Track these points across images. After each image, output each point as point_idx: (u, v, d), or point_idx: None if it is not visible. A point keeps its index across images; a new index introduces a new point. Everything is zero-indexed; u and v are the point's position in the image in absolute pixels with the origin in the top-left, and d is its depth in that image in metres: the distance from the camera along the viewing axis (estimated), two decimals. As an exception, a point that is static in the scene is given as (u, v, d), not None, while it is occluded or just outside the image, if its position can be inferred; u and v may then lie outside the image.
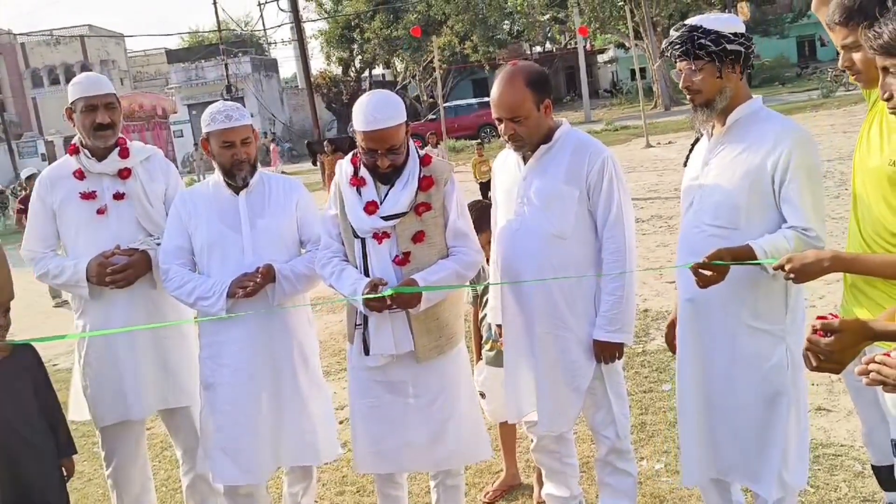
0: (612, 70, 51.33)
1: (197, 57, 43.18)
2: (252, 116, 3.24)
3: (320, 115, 32.40)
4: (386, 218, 2.78)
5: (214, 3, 39.45)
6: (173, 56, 45.77)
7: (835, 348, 1.75)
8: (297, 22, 28.16)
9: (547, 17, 41.76)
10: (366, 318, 2.82)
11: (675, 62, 2.61)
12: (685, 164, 2.89)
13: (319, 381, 3.25)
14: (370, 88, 36.00)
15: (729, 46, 2.51)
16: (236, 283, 2.93)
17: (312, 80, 31.01)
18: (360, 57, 44.80)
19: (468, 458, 3.10)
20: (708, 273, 2.42)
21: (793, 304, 2.56)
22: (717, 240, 2.48)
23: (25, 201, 10.27)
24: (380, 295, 2.66)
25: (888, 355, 1.52)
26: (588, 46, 42.48)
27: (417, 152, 2.91)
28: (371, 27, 40.31)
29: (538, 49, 51.68)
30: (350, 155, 2.97)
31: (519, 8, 37.95)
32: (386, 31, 39.95)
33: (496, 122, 2.89)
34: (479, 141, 16.83)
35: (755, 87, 32.36)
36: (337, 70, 45.41)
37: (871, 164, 2.23)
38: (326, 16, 44.00)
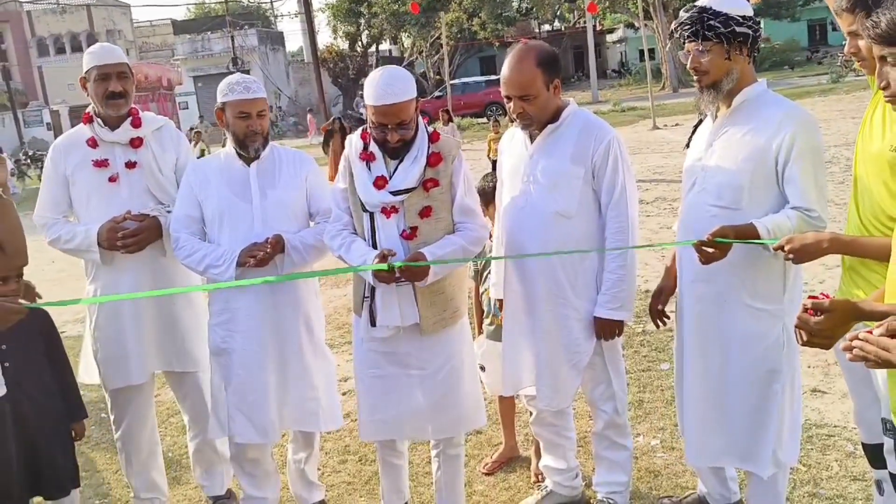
0: (621, 50, 51.04)
1: (203, 29, 42.99)
2: None
3: (326, 90, 32.31)
4: (395, 193, 2.82)
5: (222, -26, 39.20)
6: (179, 27, 45.54)
7: (824, 327, 1.83)
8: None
9: (556, -5, 41.55)
10: (373, 291, 2.88)
11: (684, 43, 2.65)
12: (687, 146, 2.93)
13: (324, 351, 3.31)
14: (377, 64, 35.81)
15: (738, 29, 2.56)
16: (246, 251, 2.98)
17: (319, 54, 30.88)
18: (367, 32, 44.53)
19: (467, 425, 3.17)
20: (710, 250, 2.47)
21: (790, 284, 2.62)
22: (719, 220, 2.53)
23: None
24: (387, 266, 2.70)
25: (871, 332, 1.57)
26: (597, 26, 42.25)
27: (426, 129, 2.94)
28: (378, 2, 40.05)
29: (546, 27, 51.39)
30: (360, 130, 3.01)
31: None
32: (394, 5, 39.68)
33: (505, 101, 2.93)
34: (494, 118, 16.83)
35: (765, 71, 32.26)
36: (343, 45, 45.17)
37: (872, 149, 2.27)
38: (334, -10, 43.73)
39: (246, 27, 41.81)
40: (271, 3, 47.83)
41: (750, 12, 2.61)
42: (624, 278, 2.89)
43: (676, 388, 2.98)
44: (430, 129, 2.98)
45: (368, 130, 2.90)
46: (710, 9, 2.57)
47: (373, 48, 46.19)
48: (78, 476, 2.97)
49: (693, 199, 2.72)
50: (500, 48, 38.95)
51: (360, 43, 45.38)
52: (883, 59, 1.80)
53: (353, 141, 2.98)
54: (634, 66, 43.30)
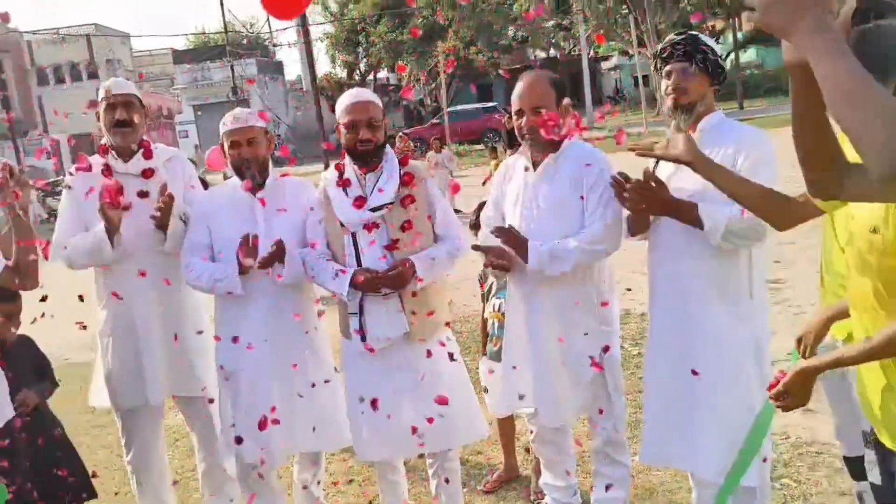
0: (616, 77, 51.51)
1: (203, 58, 43.40)
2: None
3: (327, 119, 32.57)
4: (374, 210, 3.03)
5: (221, 5, 39.67)
6: (179, 57, 45.99)
7: (794, 401, 2.08)
8: (304, 25, 28.33)
9: (552, 23, 42.00)
10: (361, 306, 3.01)
11: (668, 63, 2.81)
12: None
13: (329, 371, 3.42)
14: (376, 92, 36.21)
15: (718, 61, 2.80)
16: (240, 252, 3.11)
17: (317, 82, 31.18)
18: (365, 60, 44.98)
19: (463, 437, 3.30)
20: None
21: (756, 287, 2.76)
22: (688, 233, 2.72)
23: None
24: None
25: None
26: (593, 53, 42.69)
27: (394, 154, 3.20)
28: (377, 31, 40.50)
29: (542, 55, 51.95)
30: (333, 164, 3.22)
31: (523, 14, 38.18)
32: (391, 35, 40.13)
33: (515, 118, 3.11)
34: (491, 146, 17.03)
35: (759, 97, 32.53)
36: (342, 73, 45.59)
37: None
38: (332, 19, 44.22)
39: (245, 57, 42.19)
40: (271, 32, 48.26)
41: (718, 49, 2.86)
42: (574, 252, 2.95)
43: (645, 387, 3.09)
44: (431, 155, 3.17)
45: (341, 161, 3.16)
46: (701, 39, 2.80)
47: (371, 76, 46.63)
48: (92, 487, 3.09)
49: (664, 218, 2.85)
50: (496, 77, 39.34)
51: (358, 71, 45.81)
52: None
53: (327, 175, 3.20)
54: (629, 93, 43.68)
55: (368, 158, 3.09)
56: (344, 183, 3.12)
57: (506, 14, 39.30)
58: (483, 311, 3.93)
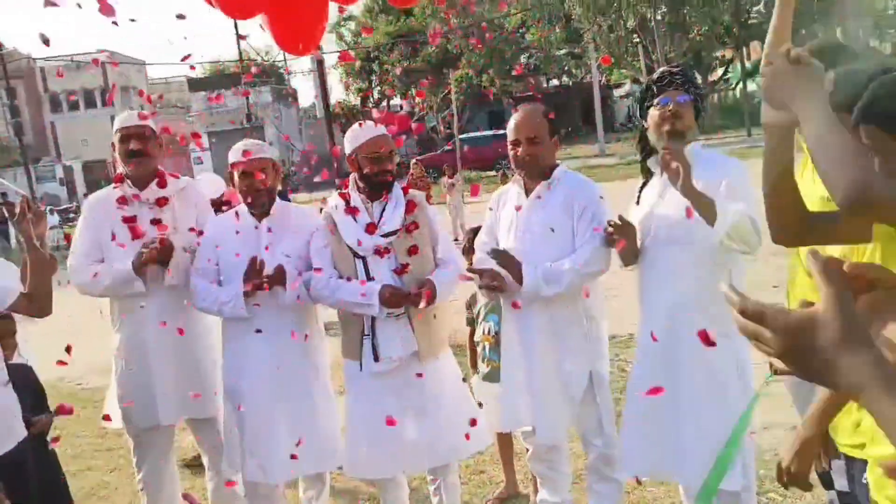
0: (628, 104, 51.81)
1: (218, 86, 43.95)
2: (271, 145, 3.61)
3: (338, 144, 32.94)
4: (385, 235, 3.18)
5: (237, 34, 40.27)
6: (194, 84, 46.61)
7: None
8: (318, 54, 28.77)
9: (563, 51, 42.41)
10: (373, 328, 3.14)
11: (664, 91, 2.95)
12: (637, 202, 3.20)
13: (329, 393, 3.55)
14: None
15: (699, 92, 3.01)
16: (246, 278, 3.27)
17: (331, 109, 31.58)
18: (378, 88, 45.49)
19: (462, 453, 3.43)
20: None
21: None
22: (677, 251, 2.89)
23: None
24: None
25: None
26: (604, 80, 43.03)
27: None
28: (390, 59, 41.01)
29: (554, 82, 52.36)
30: (335, 193, 3.38)
31: (535, 43, 38.62)
32: (404, 63, 40.61)
33: (511, 148, 3.28)
34: (503, 171, 17.26)
35: (756, 125, 32.66)
36: (355, 100, 46.09)
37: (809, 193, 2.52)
38: (346, 48, 44.79)
39: (259, 84, 42.72)
40: (285, 61, 48.87)
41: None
42: (567, 273, 3.11)
43: (627, 400, 3.19)
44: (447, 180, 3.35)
45: (347, 189, 3.32)
46: (686, 72, 3.00)
47: (384, 104, 47.13)
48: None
49: (651, 243, 2.99)
50: (509, 104, 39.69)
51: (371, 99, 46.31)
52: None
53: (333, 202, 3.34)
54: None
55: (385, 188, 3.26)
56: (352, 210, 3.27)
57: (517, 42, 39.73)
58: (470, 335, 4.05)
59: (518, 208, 3.28)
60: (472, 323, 4.02)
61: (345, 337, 3.35)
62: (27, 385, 3.15)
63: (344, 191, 3.36)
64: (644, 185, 3.18)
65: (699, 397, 2.88)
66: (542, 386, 3.23)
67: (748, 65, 44.52)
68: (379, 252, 3.21)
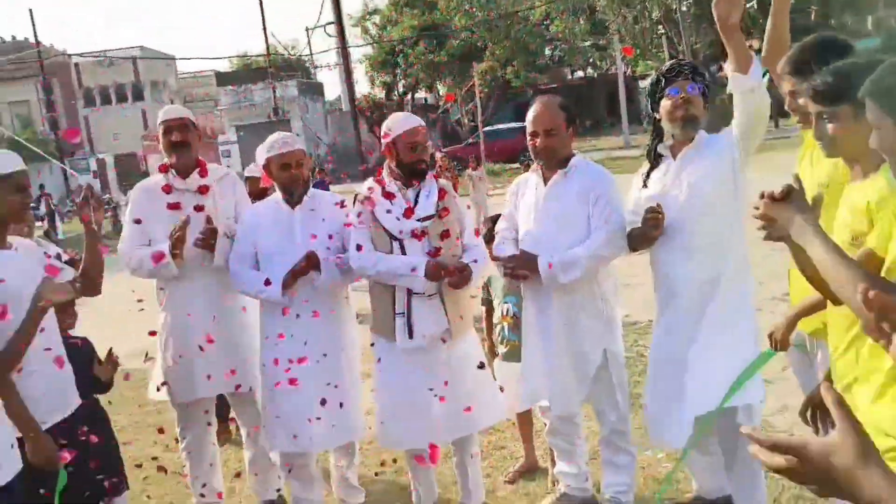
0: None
1: (245, 80, 44.39)
2: (298, 136, 3.83)
3: (363, 138, 33.24)
4: (420, 220, 3.39)
5: (264, 28, 40.68)
6: (222, 79, 47.12)
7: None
8: (344, 47, 29.04)
9: (588, 43, 42.35)
10: (408, 306, 3.36)
11: (674, 82, 3.16)
12: (644, 185, 3.40)
13: (357, 371, 3.78)
14: (412, 112, 36.50)
15: (709, 86, 3.23)
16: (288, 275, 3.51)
17: (356, 102, 31.90)
18: (403, 81, 45.68)
19: (483, 422, 3.66)
20: None
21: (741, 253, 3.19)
22: (688, 230, 3.14)
23: None
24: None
25: None
26: (630, 72, 42.94)
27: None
28: (415, 52, 41.17)
29: (579, 74, 52.25)
30: (369, 180, 3.58)
31: (560, 34, 38.63)
32: (429, 56, 40.76)
33: (529, 139, 3.48)
34: (527, 163, 17.43)
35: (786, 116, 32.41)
36: (380, 94, 46.33)
37: (807, 178, 2.71)
38: (371, 41, 45.03)
39: (286, 78, 43.10)
40: (311, 55, 49.21)
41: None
42: (583, 259, 3.32)
43: (649, 367, 3.43)
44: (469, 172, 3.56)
45: (384, 173, 3.53)
46: (699, 68, 3.22)
47: (408, 97, 47.34)
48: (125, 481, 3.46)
49: (677, 219, 3.19)
50: (533, 96, 39.67)
51: (396, 92, 46.53)
52: (819, 115, 2.25)
53: (367, 188, 3.55)
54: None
55: (422, 175, 3.48)
56: (389, 195, 3.48)
57: (542, 35, 39.72)
58: (486, 314, 4.26)
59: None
60: (488, 303, 4.23)
61: (377, 315, 3.55)
62: (84, 357, 3.38)
63: (378, 177, 3.56)
64: (651, 169, 3.36)
65: (713, 341, 3.13)
66: (558, 362, 3.44)
67: (776, 55, 44.17)
68: (415, 235, 3.42)
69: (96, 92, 49.92)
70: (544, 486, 4.06)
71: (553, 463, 3.91)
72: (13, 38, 49.95)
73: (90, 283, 3.25)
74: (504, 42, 38.71)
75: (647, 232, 3.20)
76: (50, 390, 2.95)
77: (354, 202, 3.57)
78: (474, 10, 38.09)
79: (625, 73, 37.48)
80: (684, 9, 34.86)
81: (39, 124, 45.50)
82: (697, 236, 3.15)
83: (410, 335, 3.41)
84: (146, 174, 27.94)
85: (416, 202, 3.48)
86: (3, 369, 2.68)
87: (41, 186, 26.89)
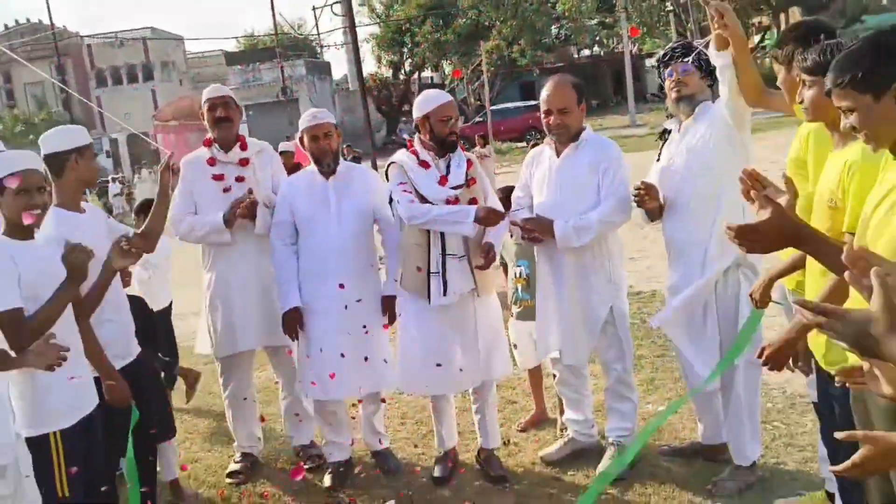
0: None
1: (253, 60, 44.61)
2: None
3: (371, 117, 33.49)
4: (454, 188, 3.74)
5: (272, 8, 40.84)
6: (231, 59, 47.34)
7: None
8: (352, 26, 29.23)
9: (595, 21, 42.41)
10: (443, 266, 3.73)
11: (668, 66, 3.50)
12: (658, 160, 3.74)
13: (381, 324, 4.14)
14: (419, 91, 36.57)
15: (711, 68, 3.47)
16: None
17: (364, 82, 32.14)
18: (409, 60, 45.81)
19: (500, 371, 4.04)
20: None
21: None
22: (696, 194, 3.49)
23: None
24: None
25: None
26: (636, 50, 43.02)
27: None
28: (422, 31, 41.30)
29: (586, 52, 52.28)
30: (401, 150, 3.94)
31: (567, 13, 38.73)
32: (436, 35, 40.89)
33: (544, 116, 3.81)
34: (534, 143, 17.81)
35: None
36: (387, 73, 46.50)
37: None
38: (378, 20, 45.12)
39: (294, 58, 43.29)
40: (318, 34, 49.31)
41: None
42: (595, 224, 3.67)
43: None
44: (472, 152, 3.89)
45: (416, 145, 3.86)
46: (702, 51, 3.51)
47: (415, 76, 47.51)
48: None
49: (678, 185, 3.55)
50: (539, 75, 39.81)
51: (402, 71, 46.69)
52: (803, 83, 2.59)
53: (403, 158, 3.85)
54: (673, 90, 43.70)
55: (453, 147, 3.83)
56: (425, 164, 3.81)
57: (548, 13, 39.78)
58: (505, 276, 4.62)
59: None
60: (503, 266, 4.60)
61: (409, 275, 3.85)
62: (139, 313, 3.77)
63: (412, 149, 3.88)
64: (663, 144, 3.71)
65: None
66: (569, 317, 3.82)
67: (785, 32, 44.12)
68: (449, 201, 3.75)
69: (108, 73, 50.28)
70: (553, 433, 4.44)
71: (561, 412, 4.29)
72: (27, 20, 50.24)
73: (150, 240, 3.64)
74: (510, 21, 38.79)
75: (642, 206, 3.58)
76: (118, 338, 3.36)
77: (388, 170, 3.90)
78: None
79: (631, 51, 37.55)
80: (692, -16, 34.89)
81: (54, 104, 45.89)
82: (696, 198, 3.49)
83: (445, 292, 3.76)
84: (156, 153, 28.34)
85: (447, 171, 3.82)
86: (84, 317, 3.06)
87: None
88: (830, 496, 3.26)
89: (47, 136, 3.29)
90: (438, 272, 3.76)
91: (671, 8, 36.52)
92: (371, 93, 41.35)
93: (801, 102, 2.62)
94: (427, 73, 48.95)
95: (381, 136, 38.31)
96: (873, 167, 2.19)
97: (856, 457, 1.71)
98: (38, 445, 2.83)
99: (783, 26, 40.54)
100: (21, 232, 2.85)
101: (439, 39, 40.94)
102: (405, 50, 45.00)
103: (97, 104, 48.55)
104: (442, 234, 3.75)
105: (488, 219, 3.68)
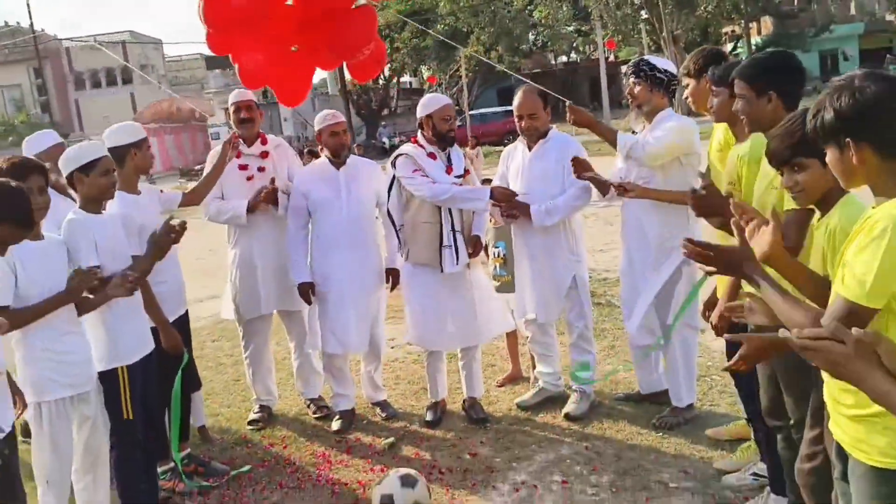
0: (635, 81, 52.58)
1: (234, 63, 45.07)
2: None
3: (352, 121, 34.15)
4: (457, 176, 4.53)
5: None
6: (212, 62, 47.80)
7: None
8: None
9: (571, 28, 43.39)
10: (454, 240, 4.50)
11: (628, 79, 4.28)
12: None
13: (384, 291, 4.91)
14: (398, 96, 36.96)
15: (657, 75, 4.19)
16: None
17: (345, 87, 32.81)
18: (388, 65, 46.54)
19: (488, 335, 4.82)
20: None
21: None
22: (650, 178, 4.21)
23: None
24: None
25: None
26: (612, 57, 44.06)
27: None
28: (401, 37, 42.04)
29: (563, 59, 53.34)
30: (408, 144, 4.68)
31: (543, 20, 39.67)
32: (415, 41, 41.64)
33: (517, 120, 4.59)
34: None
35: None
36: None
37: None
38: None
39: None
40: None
41: (672, 68, 4.24)
42: (562, 207, 4.45)
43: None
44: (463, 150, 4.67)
45: (420, 140, 4.60)
46: (645, 60, 4.25)
47: (394, 81, 48.24)
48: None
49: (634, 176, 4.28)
50: (517, 80, 40.63)
51: (382, 76, 47.41)
52: (712, 92, 3.40)
53: (411, 150, 4.60)
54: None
55: (452, 141, 4.59)
56: (432, 156, 4.55)
57: (526, 20, 40.68)
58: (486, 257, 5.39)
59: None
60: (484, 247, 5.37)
61: (419, 249, 4.55)
62: None
63: (417, 143, 4.61)
64: None
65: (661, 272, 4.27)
66: (540, 284, 4.61)
67: (758, 40, 45.39)
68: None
69: (86, 76, 50.55)
70: (527, 388, 5.20)
71: (534, 367, 5.05)
72: (6, 23, 50.42)
73: (198, 198, 4.51)
74: (488, 28, 39.63)
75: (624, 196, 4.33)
76: (172, 296, 4.10)
77: (395, 160, 4.62)
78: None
79: (607, 58, 38.55)
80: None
81: (32, 107, 46.10)
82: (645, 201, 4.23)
83: (457, 262, 4.51)
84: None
85: (450, 162, 4.58)
86: (142, 278, 3.75)
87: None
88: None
89: (111, 132, 4.03)
90: (451, 245, 4.51)
91: (646, 16, 37.56)
92: (351, 97, 41.99)
93: (711, 107, 3.43)
94: (406, 79, 49.70)
95: (361, 139, 38.93)
96: (758, 160, 2.97)
97: (739, 353, 2.44)
98: (109, 377, 3.54)
99: (754, 35, 41.92)
100: (95, 207, 3.56)
101: (418, 45, 41.71)
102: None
103: (76, 107, 48.95)
104: (451, 213, 4.50)
105: (503, 195, 4.44)
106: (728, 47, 46.07)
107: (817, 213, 2.42)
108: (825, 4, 43.01)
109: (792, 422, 2.92)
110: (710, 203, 3.12)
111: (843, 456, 2.06)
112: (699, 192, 3.16)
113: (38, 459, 3.26)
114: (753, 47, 43.61)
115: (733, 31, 45.85)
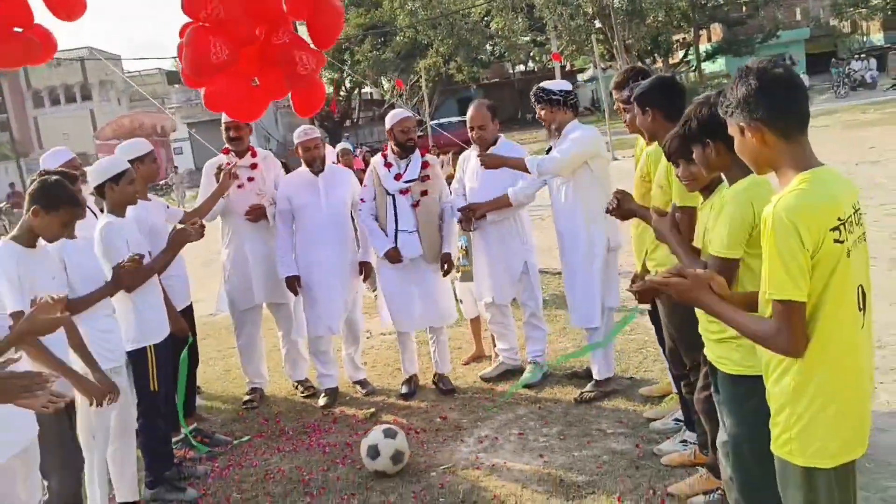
0: (592, 88, 53.86)
1: (195, 78, 45.34)
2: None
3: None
4: (407, 182, 5.22)
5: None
6: (173, 77, 48.07)
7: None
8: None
9: (527, 39, 44.43)
10: (396, 238, 5.22)
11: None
12: (547, 152, 5.26)
13: (359, 278, 5.63)
14: (360, 107, 37.39)
15: (553, 97, 4.93)
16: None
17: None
18: (350, 78, 47.18)
19: (449, 319, 5.53)
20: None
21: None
22: (567, 187, 4.94)
23: None
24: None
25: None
26: (568, 67, 45.12)
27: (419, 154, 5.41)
28: (361, 50, 42.72)
29: (520, 68, 54.43)
30: (378, 155, 5.39)
31: (500, 31, 40.64)
32: (375, 53, 42.34)
33: (469, 131, 5.32)
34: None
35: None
36: (329, 89, 47.74)
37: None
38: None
39: (236, 76, 44.13)
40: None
41: (566, 87, 5.00)
42: (512, 196, 5.18)
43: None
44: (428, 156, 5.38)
45: (387, 150, 5.32)
46: (541, 87, 4.99)
47: (355, 92, 48.89)
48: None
49: (555, 188, 5.02)
50: (476, 90, 41.55)
51: (343, 88, 48.02)
52: (624, 109, 4.15)
53: (377, 159, 5.35)
54: (605, 104, 45.89)
55: (411, 150, 5.28)
56: (389, 165, 5.30)
57: (483, 32, 41.61)
58: None
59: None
60: None
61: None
62: None
63: (385, 152, 5.38)
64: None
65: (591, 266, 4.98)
66: (495, 269, 5.35)
67: (707, 46, 46.81)
68: (403, 192, 5.24)
69: (45, 93, 50.38)
70: (489, 365, 5.92)
71: (494, 345, 5.79)
72: (-39, 40, 49.86)
73: (199, 215, 5.09)
74: (447, 39, 40.49)
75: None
76: (180, 288, 4.77)
77: (365, 168, 5.36)
78: (418, 8, 39.83)
79: (563, 67, 39.54)
80: (617, 4, 37.01)
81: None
82: (565, 198, 4.96)
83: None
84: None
85: (405, 170, 5.29)
86: (154, 274, 4.38)
87: (11, 185, 27.82)
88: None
89: (122, 148, 4.67)
90: (394, 244, 5.23)
91: (598, 26, 38.70)
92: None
93: (626, 123, 4.18)
94: (367, 90, 50.34)
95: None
96: (658, 160, 3.71)
97: (633, 290, 3.17)
98: (138, 355, 4.17)
99: (704, 42, 43.23)
100: (122, 211, 4.21)
101: (378, 57, 42.42)
102: (345, 68, 46.39)
103: (34, 125, 48.69)
104: (396, 217, 5.23)
105: (394, 258, 5.20)
106: (679, 55, 47.57)
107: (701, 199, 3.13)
108: (772, 10, 44.48)
109: (688, 367, 3.69)
110: (626, 208, 3.80)
111: (714, 371, 2.81)
112: (611, 205, 3.78)
113: (84, 422, 3.87)
114: (703, 54, 45.23)
115: (684, 39, 47.21)
